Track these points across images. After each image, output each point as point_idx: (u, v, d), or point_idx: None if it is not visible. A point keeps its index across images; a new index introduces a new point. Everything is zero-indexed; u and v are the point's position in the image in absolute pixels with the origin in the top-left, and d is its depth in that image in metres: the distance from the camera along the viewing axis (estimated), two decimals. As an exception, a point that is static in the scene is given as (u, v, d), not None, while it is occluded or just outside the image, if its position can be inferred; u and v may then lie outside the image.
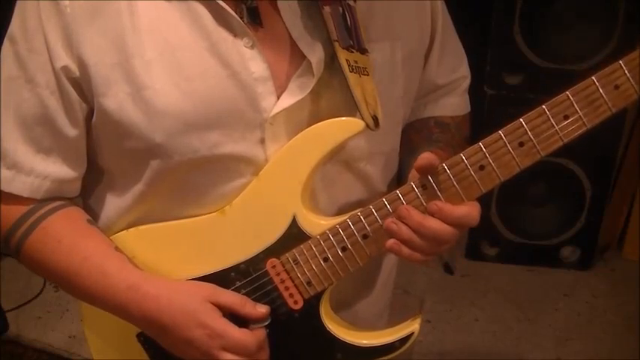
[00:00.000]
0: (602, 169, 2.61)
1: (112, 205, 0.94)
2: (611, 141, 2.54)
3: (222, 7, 0.82)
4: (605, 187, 2.66)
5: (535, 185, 2.68)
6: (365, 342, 0.94)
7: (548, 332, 2.51)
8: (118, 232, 0.94)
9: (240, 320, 0.89)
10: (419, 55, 0.99)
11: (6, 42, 0.87)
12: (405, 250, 0.85)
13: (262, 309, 0.90)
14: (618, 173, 2.76)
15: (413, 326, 0.93)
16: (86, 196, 0.98)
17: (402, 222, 0.84)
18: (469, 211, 0.84)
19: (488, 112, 2.55)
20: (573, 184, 2.62)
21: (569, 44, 2.41)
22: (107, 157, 0.91)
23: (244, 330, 0.87)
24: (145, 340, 0.95)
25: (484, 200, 0.86)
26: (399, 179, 1.02)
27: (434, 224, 0.83)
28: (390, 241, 0.85)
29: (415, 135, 1.05)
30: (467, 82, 1.11)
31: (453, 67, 1.07)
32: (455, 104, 1.09)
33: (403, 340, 0.93)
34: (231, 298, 0.89)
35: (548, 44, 2.42)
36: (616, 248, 2.92)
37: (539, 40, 2.42)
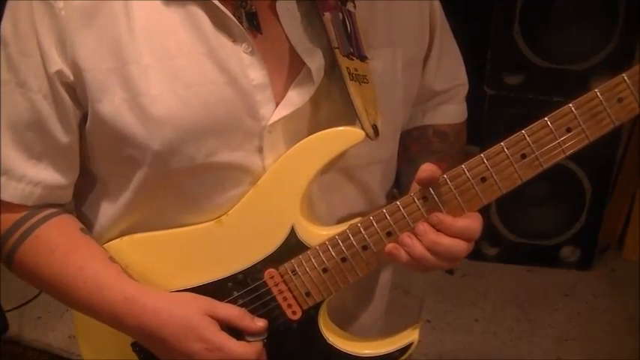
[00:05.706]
0: (602, 169, 2.60)
1: (106, 212, 0.93)
2: (611, 141, 2.53)
3: (221, 10, 0.80)
4: (605, 187, 2.65)
5: (535, 185, 2.65)
6: (364, 352, 0.93)
7: (548, 332, 2.50)
8: (112, 239, 0.93)
9: (238, 332, 0.88)
10: (418, 61, 0.98)
11: None
12: (404, 255, 0.84)
13: (260, 322, 0.89)
14: (618, 173, 2.75)
15: (412, 336, 0.92)
16: (79, 202, 0.96)
17: (417, 238, 0.83)
18: (471, 223, 0.83)
19: (488, 112, 2.55)
20: (573, 184, 2.61)
21: (569, 44, 2.40)
22: (100, 164, 0.90)
23: (243, 343, 0.87)
24: (140, 349, 0.94)
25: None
26: (396, 188, 1.01)
27: (447, 241, 0.83)
28: (390, 246, 0.84)
29: (413, 144, 1.04)
30: (465, 90, 1.09)
31: (451, 74, 1.06)
32: (454, 112, 1.08)
33: (402, 350, 0.92)
34: (229, 311, 0.88)
35: (548, 44, 2.41)
36: (616, 248, 2.91)
37: (539, 40, 2.41)
